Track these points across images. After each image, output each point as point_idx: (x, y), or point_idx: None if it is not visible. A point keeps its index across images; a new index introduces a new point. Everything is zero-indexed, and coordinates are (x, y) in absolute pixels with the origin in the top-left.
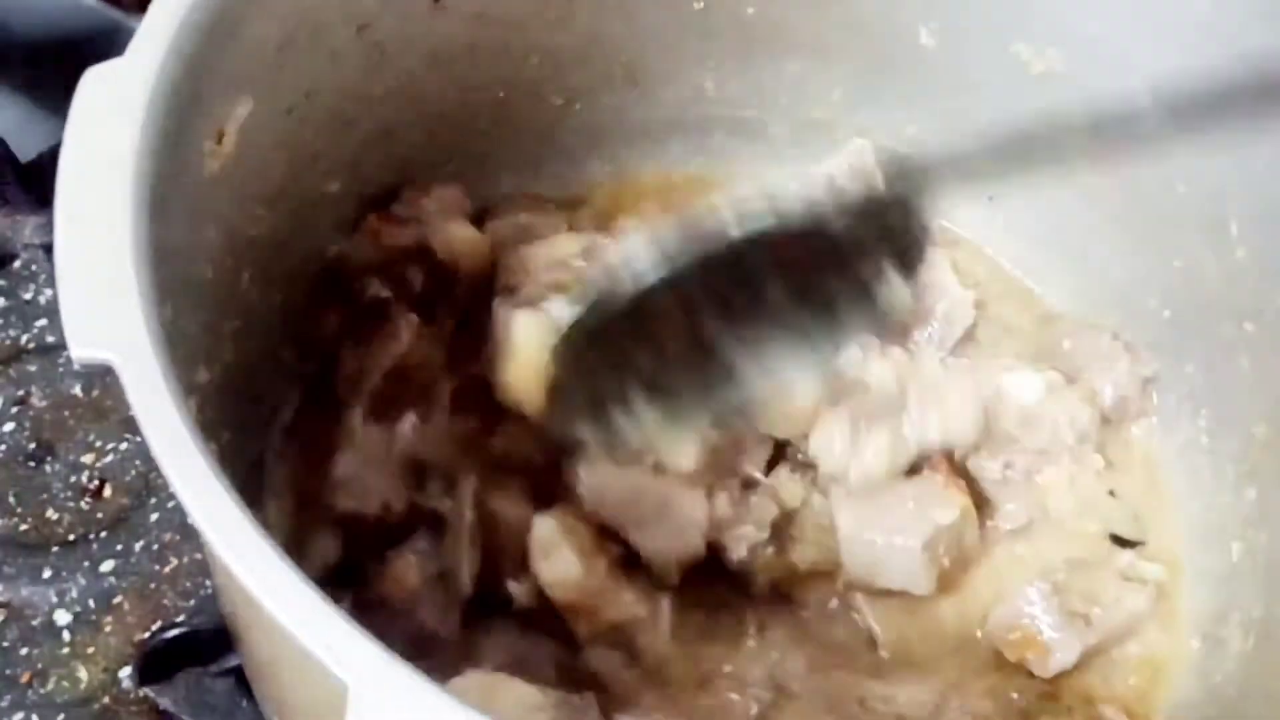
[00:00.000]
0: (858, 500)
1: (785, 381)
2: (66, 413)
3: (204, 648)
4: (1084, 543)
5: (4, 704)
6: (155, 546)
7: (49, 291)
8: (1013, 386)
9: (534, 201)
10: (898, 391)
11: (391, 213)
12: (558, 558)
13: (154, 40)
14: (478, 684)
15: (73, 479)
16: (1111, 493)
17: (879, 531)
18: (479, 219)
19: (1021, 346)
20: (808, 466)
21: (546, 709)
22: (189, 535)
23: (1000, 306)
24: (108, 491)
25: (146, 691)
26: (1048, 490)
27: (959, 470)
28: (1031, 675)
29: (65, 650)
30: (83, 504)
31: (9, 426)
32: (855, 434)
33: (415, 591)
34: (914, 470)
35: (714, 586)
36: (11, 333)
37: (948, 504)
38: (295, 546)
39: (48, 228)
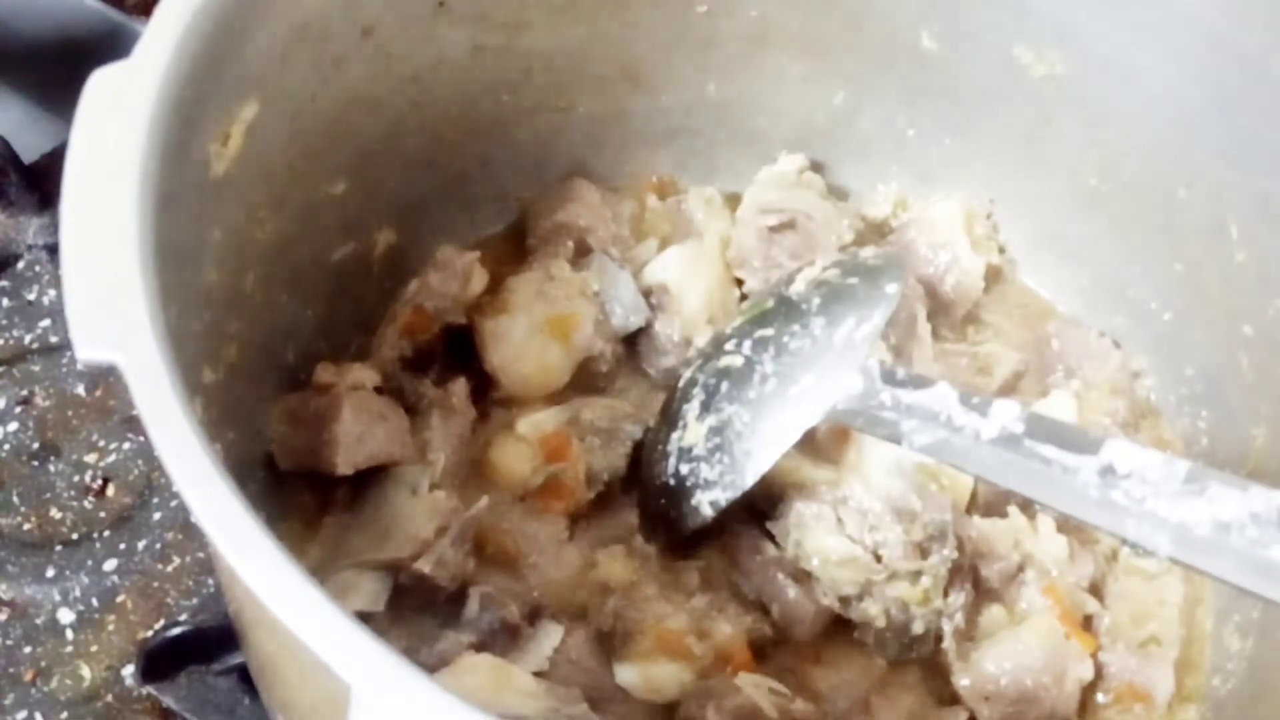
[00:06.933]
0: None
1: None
2: (70, 412)
3: (206, 646)
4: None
5: (8, 702)
6: (158, 545)
7: (52, 292)
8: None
9: None
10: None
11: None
12: None
13: (161, 43)
14: (487, 664)
15: (76, 478)
16: None
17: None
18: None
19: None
20: None
21: (540, 697)
22: (191, 534)
23: (991, 313)
24: (111, 490)
25: (149, 689)
26: None
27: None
28: None
29: (68, 648)
30: (86, 503)
31: (13, 426)
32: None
33: None
34: None
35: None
36: (15, 333)
37: (1080, 660)
38: None
39: (51, 228)
